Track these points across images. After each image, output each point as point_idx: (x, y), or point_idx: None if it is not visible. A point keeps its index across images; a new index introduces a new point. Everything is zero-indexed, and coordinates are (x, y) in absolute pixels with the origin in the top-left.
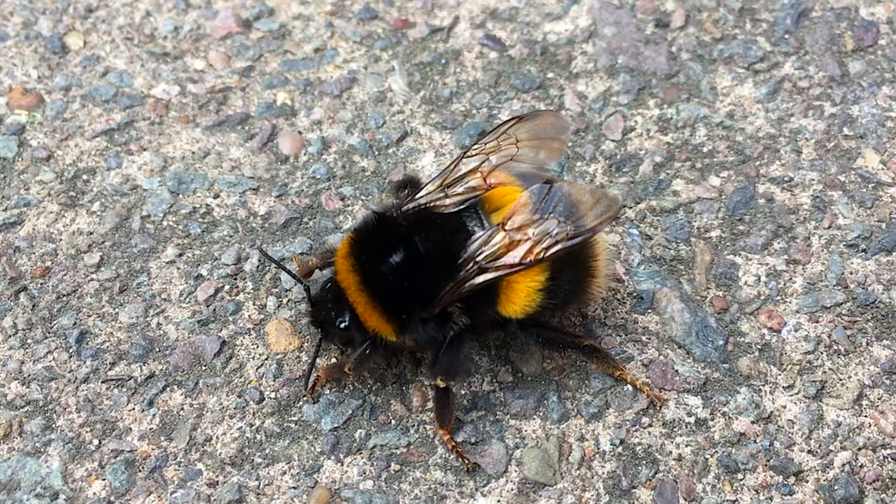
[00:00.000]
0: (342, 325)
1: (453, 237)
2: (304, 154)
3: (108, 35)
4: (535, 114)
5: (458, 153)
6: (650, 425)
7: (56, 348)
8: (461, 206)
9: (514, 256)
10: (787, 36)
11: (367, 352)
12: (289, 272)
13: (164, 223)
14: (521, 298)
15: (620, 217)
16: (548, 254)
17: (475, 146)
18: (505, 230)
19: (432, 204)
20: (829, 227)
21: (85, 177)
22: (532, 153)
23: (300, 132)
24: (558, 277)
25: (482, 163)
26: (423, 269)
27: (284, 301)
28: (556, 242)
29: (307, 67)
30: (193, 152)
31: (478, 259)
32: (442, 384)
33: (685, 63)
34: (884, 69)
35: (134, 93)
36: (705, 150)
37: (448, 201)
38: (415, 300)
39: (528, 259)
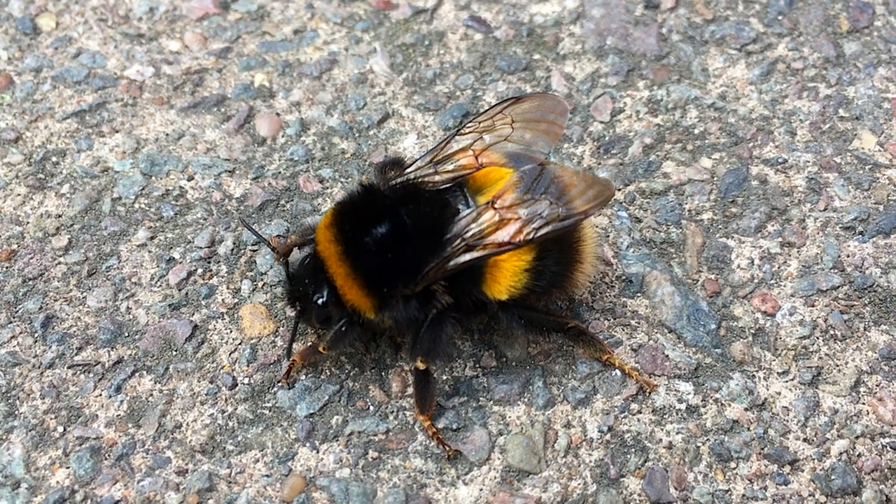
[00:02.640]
0: (320, 300)
1: (441, 213)
2: (282, 136)
3: (81, 16)
4: (533, 95)
5: (440, 135)
6: (639, 412)
7: (21, 333)
8: (449, 184)
9: (503, 235)
10: (780, 17)
11: (344, 329)
12: (269, 245)
13: (136, 206)
14: (506, 278)
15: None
16: (537, 234)
17: (470, 124)
18: (495, 208)
19: (421, 179)
20: (825, 210)
21: (54, 159)
22: (526, 135)
23: (278, 114)
24: (545, 258)
25: (475, 141)
26: (408, 243)
27: (259, 284)
28: (547, 224)
29: (286, 49)
30: (167, 134)
31: (465, 236)
32: (422, 366)
33: (676, 44)
34: (880, 50)
35: (107, 74)
36: (696, 131)
37: (437, 178)
38: (398, 275)
39: (518, 239)
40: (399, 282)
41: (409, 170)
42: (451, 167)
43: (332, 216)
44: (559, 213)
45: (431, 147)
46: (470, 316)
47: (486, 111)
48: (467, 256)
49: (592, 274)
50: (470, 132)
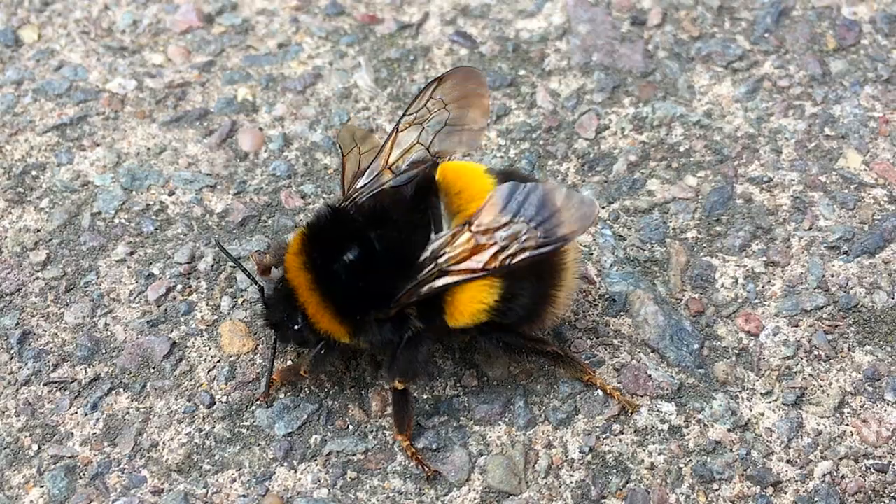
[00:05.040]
0: (295, 327)
1: (412, 234)
2: (265, 151)
3: (63, 28)
4: (452, 72)
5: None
6: (621, 432)
7: None
8: (420, 196)
9: (477, 261)
10: (766, 34)
11: (322, 353)
12: (244, 270)
13: (116, 220)
14: (464, 317)
15: None
16: (514, 261)
17: (405, 117)
18: (471, 231)
19: (383, 187)
20: (810, 229)
21: (34, 172)
22: (463, 114)
23: (261, 128)
24: (511, 299)
25: (419, 133)
26: (379, 268)
27: (239, 301)
28: (524, 250)
29: (270, 63)
30: (149, 148)
31: (439, 261)
32: (400, 386)
33: (662, 61)
34: (866, 69)
35: (88, 87)
36: (682, 149)
37: (396, 181)
38: (370, 301)
39: (493, 265)
40: (371, 308)
41: (365, 180)
42: (406, 167)
43: (300, 242)
44: (537, 238)
45: (377, 149)
46: (449, 336)
47: (415, 99)
48: (441, 281)
49: (560, 316)
50: (409, 126)
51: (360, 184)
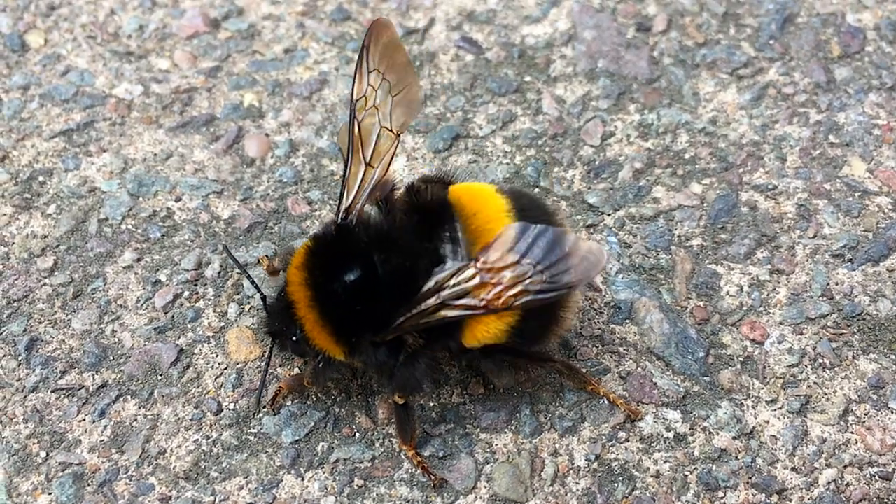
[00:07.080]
0: (293, 339)
1: (417, 261)
2: (271, 157)
3: (69, 33)
4: (371, 35)
5: (430, 157)
6: (627, 440)
7: (4, 356)
8: (428, 222)
9: (480, 298)
10: (771, 41)
11: (321, 365)
12: (249, 277)
13: (123, 227)
14: (486, 337)
15: (598, 224)
16: (516, 302)
17: (358, 102)
18: (476, 268)
19: (395, 207)
20: (815, 237)
21: (41, 178)
22: (398, 76)
23: (267, 134)
24: (528, 319)
25: (377, 116)
26: (379, 293)
27: (246, 308)
28: (527, 292)
29: (276, 68)
30: (155, 154)
31: (442, 294)
32: (400, 400)
33: (667, 68)
34: (871, 76)
35: (95, 92)
36: (687, 156)
37: (381, 174)
38: (366, 325)
39: (495, 304)
40: (367, 332)
41: (357, 190)
42: (379, 154)
43: (304, 256)
44: (542, 281)
45: (347, 149)
46: (450, 355)
47: (356, 78)
48: (442, 314)
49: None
50: (364, 110)
51: (353, 191)
